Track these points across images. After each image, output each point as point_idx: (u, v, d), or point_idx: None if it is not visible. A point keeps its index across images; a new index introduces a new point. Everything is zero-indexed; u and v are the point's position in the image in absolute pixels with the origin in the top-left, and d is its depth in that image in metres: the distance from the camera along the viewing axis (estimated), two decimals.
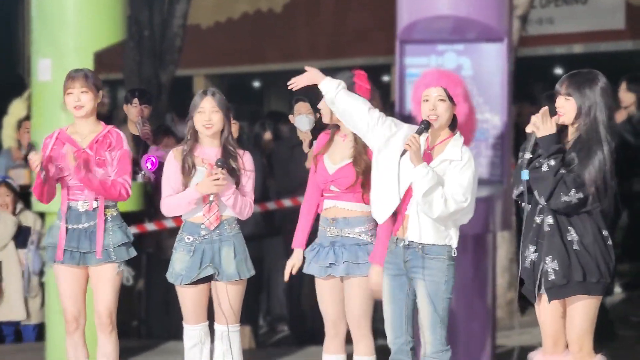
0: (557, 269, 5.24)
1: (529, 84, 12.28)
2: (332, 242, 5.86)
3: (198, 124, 5.96)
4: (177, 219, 6.29)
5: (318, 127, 6.98)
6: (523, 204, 5.42)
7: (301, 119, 7.60)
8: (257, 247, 8.36)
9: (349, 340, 6.01)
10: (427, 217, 5.47)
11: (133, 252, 6.19)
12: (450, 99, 5.53)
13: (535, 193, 5.28)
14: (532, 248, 5.36)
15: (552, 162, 5.21)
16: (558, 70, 15.12)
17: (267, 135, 9.27)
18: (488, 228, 6.87)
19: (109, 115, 9.19)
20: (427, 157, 5.52)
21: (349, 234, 5.85)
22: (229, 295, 5.95)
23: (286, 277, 6.07)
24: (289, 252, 6.10)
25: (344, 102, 5.66)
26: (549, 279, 5.26)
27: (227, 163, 5.90)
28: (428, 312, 5.52)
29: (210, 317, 6.10)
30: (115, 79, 13.10)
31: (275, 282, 9.27)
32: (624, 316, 9.14)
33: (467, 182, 5.47)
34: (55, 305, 7.23)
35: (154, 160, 7.32)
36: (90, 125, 6.12)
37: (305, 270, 5.99)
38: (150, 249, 8.83)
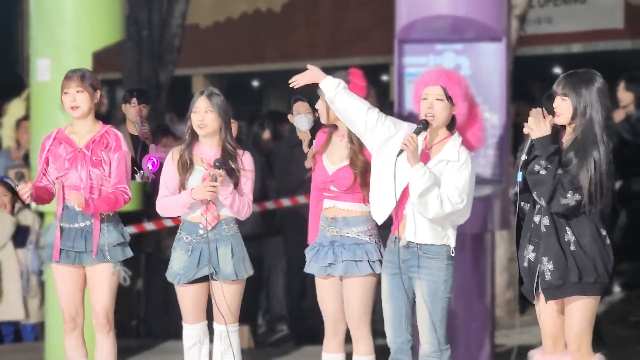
0: (553, 269, 5.23)
1: (528, 84, 12.29)
2: (332, 241, 5.86)
3: (193, 124, 5.97)
4: (176, 218, 6.29)
5: (317, 127, 6.97)
6: (522, 203, 5.41)
7: (300, 119, 7.58)
8: (256, 246, 8.35)
9: (348, 339, 6.01)
10: (424, 217, 5.46)
11: (129, 253, 6.17)
12: (449, 98, 5.52)
13: (535, 196, 5.27)
14: (530, 248, 5.35)
15: (550, 165, 5.20)
16: (557, 70, 15.09)
17: (266, 135, 9.27)
18: (487, 227, 6.87)
19: (107, 115, 9.19)
20: (425, 157, 5.50)
21: (348, 233, 5.84)
22: (227, 295, 5.95)
23: None
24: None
25: (343, 102, 5.65)
26: (545, 279, 5.25)
27: (225, 163, 5.90)
28: (427, 311, 5.52)
29: (210, 316, 6.09)
30: (114, 79, 13.11)
31: (274, 282, 9.27)
32: (623, 316, 9.14)
33: (464, 183, 5.45)
34: (54, 305, 7.21)
35: (155, 160, 7.30)
36: (88, 125, 6.11)
37: (305, 270, 6.00)
38: (149, 249, 8.83)
